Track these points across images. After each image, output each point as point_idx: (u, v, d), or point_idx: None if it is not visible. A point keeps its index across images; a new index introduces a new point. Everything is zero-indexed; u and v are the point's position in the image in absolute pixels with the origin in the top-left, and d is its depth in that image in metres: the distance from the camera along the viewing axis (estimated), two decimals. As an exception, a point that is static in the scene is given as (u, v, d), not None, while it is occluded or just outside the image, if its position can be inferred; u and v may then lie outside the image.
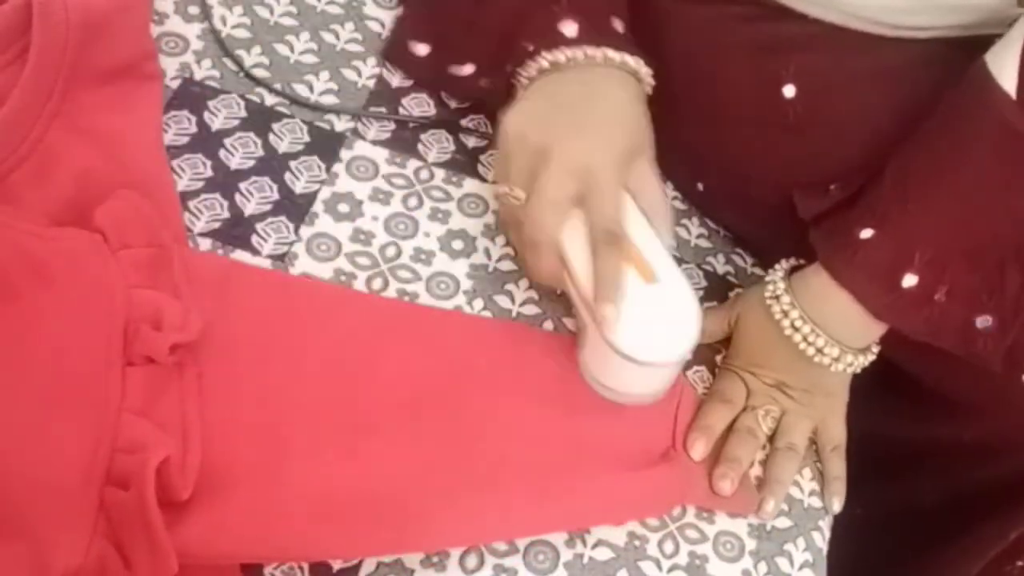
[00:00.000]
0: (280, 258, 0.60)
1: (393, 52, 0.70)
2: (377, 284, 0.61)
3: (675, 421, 0.61)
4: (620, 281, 0.56)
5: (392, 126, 0.68)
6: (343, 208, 0.63)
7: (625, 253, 0.57)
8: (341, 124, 0.67)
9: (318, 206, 0.63)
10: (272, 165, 0.64)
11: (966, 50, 0.58)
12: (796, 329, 0.61)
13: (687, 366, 0.65)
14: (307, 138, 0.65)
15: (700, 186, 0.70)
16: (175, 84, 0.65)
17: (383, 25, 0.72)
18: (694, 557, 0.58)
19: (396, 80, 0.70)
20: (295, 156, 0.65)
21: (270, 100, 0.66)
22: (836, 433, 0.65)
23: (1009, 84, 0.53)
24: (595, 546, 0.56)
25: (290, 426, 0.53)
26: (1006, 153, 0.55)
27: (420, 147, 0.67)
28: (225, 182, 0.62)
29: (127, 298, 0.51)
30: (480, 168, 0.68)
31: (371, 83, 0.69)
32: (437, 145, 0.68)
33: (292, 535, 0.50)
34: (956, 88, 0.57)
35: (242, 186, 0.62)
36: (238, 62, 0.67)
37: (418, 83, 0.70)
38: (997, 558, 0.71)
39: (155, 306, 0.51)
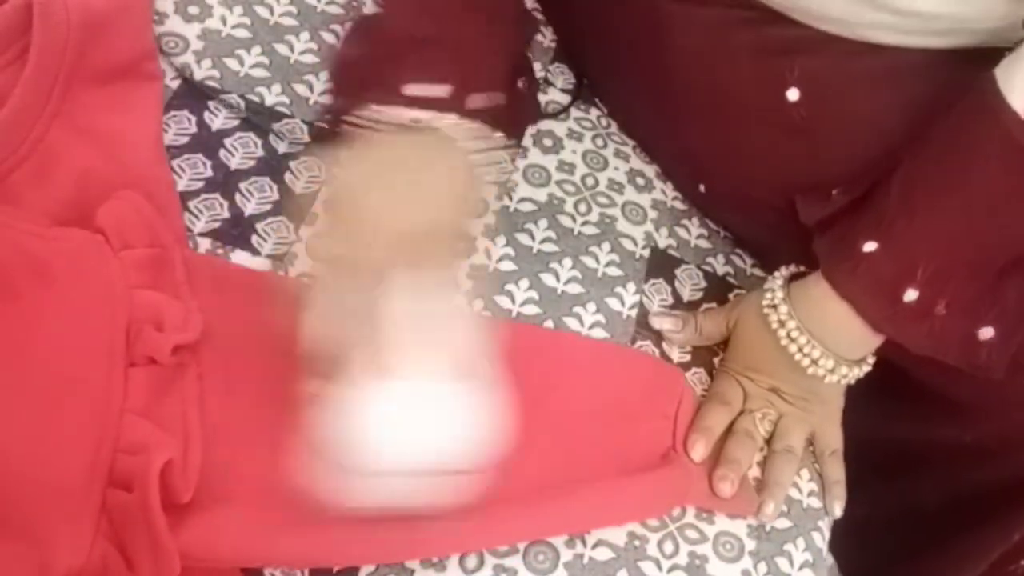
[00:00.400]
0: (280, 258, 0.60)
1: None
2: (377, 284, 0.61)
3: (675, 422, 0.62)
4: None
5: (392, 126, 0.68)
6: (343, 208, 0.63)
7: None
8: (341, 124, 0.67)
9: (318, 206, 0.63)
10: (272, 165, 0.64)
11: (971, 55, 0.58)
12: (792, 340, 0.61)
13: (685, 367, 0.65)
14: (307, 138, 0.65)
15: (702, 187, 0.70)
16: (175, 84, 0.65)
17: (383, 25, 0.72)
18: (694, 557, 0.58)
19: (396, 80, 0.70)
20: (295, 156, 0.65)
21: (270, 100, 0.66)
22: (833, 438, 0.66)
23: (1018, 102, 0.53)
24: (595, 546, 0.56)
25: (290, 427, 0.53)
26: (1013, 171, 0.54)
27: (420, 147, 0.67)
28: (225, 182, 0.62)
29: (129, 298, 0.51)
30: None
31: (371, 83, 0.69)
32: (437, 145, 0.68)
33: (292, 539, 0.49)
34: (964, 101, 0.56)
35: (242, 186, 0.62)
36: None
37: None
38: (999, 559, 0.72)
39: (156, 307, 0.51)
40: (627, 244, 0.68)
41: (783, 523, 0.62)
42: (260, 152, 0.64)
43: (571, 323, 0.63)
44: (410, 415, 0.47)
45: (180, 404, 0.50)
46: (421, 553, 0.53)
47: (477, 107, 0.56)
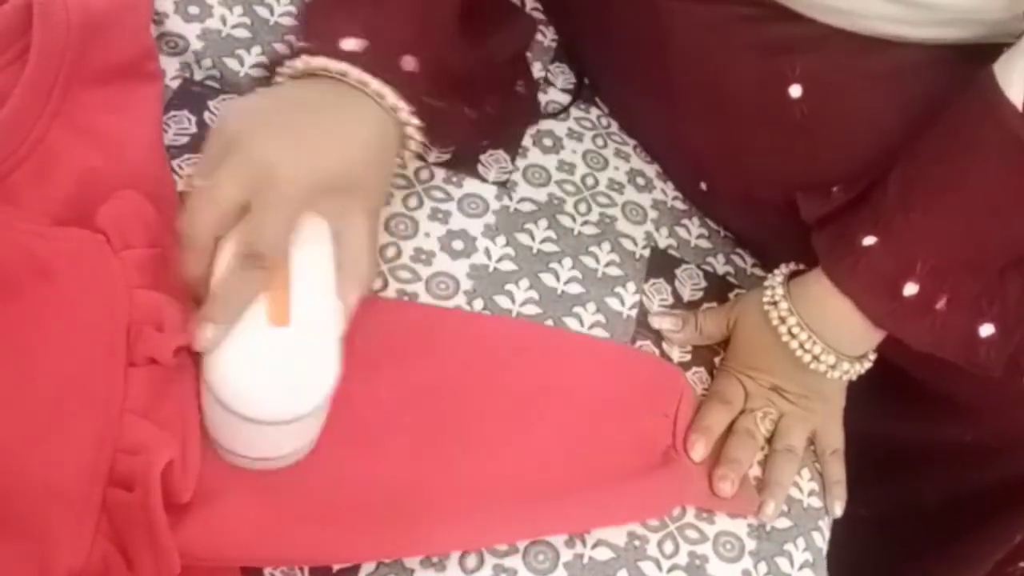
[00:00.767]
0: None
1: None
2: (377, 284, 0.61)
3: (675, 422, 0.61)
4: (238, 308, 0.48)
5: (392, 126, 0.68)
6: (343, 208, 0.63)
7: (265, 283, 0.48)
8: (341, 124, 0.67)
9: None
10: (272, 165, 0.64)
11: (974, 53, 0.58)
12: (793, 336, 0.61)
13: (686, 366, 0.65)
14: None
15: (703, 186, 0.70)
16: (175, 84, 0.65)
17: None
18: (694, 557, 0.58)
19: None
20: (295, 156, 0.65)
21: (270, 100, 0.66)
22: (834, 437, 0.66)
23: (1016, 96, 0.53)
24: (595, 546, 0.56)
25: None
26: (1012, 165, 0.55)
27: (420, 147, 0.67)
28: (225, 182, 0.62)
29: (129, 299, 0.51)
30: (480, 168, 0.68)
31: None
32: (437, 145, 0.68)
33: (292, 538, 0.50)
34: (963, 96, 0.56)
35: (242, 186, 0.62)
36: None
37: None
38: (1001, 560, 0.72)
39: (157, 307, 0.51)
40: (627, 244, 0.68)
41: (783, 523, 0.62)
42: (260, 152, 0.64)
43: (571, 323, 0.63)
44: (244, 359, 0.48)
45: (180, 404, 0.50)
46: (421, 551, 0.53)
47: (410, 70, 0.56)
